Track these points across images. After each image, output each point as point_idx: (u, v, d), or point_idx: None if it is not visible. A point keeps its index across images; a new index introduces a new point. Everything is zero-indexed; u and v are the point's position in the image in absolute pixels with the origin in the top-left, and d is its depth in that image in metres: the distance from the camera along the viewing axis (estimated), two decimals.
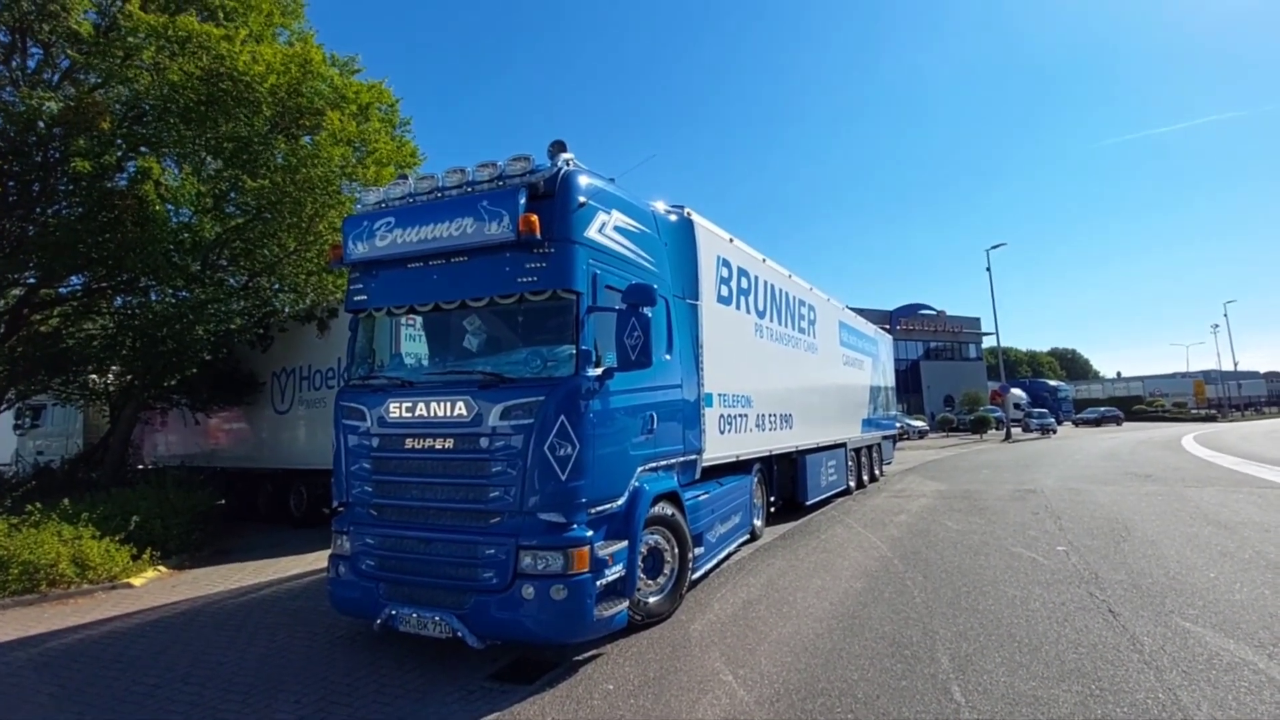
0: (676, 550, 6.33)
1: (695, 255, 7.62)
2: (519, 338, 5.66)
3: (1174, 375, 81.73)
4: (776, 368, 10.62)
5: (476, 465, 5.12)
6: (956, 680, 4.50)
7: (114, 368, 13.23)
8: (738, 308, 9.02)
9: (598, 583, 5.03)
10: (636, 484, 5.78)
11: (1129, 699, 4.09)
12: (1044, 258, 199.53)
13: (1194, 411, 64.57)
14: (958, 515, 11.44)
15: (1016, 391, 52.87)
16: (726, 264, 8.65)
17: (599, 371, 5.30)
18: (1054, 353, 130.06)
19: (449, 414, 5.22)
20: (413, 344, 6.27)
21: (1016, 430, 42.51)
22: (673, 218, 7.46)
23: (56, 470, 14.18)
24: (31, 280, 12.33)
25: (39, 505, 8.79)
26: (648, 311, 5.38)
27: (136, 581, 8.35)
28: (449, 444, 5.21)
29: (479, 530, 5.09)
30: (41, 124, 10.71)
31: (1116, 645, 4.99)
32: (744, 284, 9.33)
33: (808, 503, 11.90)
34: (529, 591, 4.83)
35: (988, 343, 63.97)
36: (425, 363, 6.04)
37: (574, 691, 4.64)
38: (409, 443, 5.37)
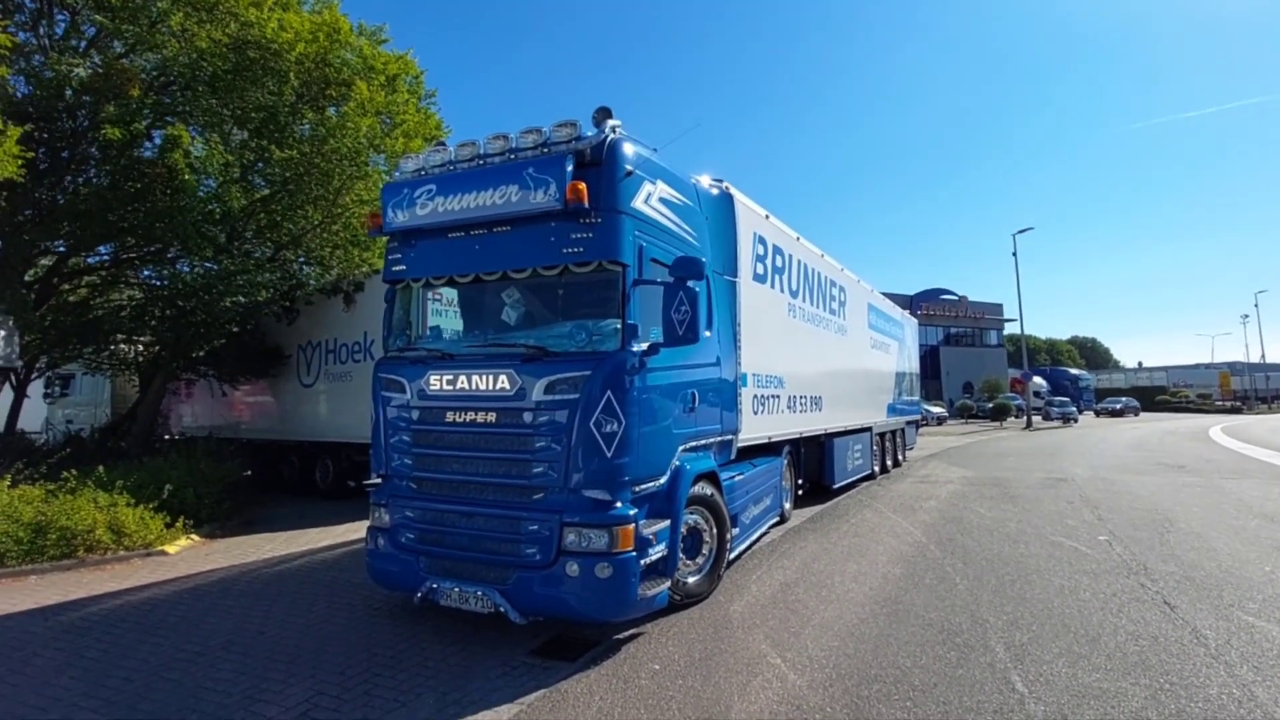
0: (715, 530, 6.23)
1: (735, 231, 7.43)
2: (562, 311, 5.52)
3: (1198, 366, 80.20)
4: (808, 349, 10.44)
5: (520, 440, 5.01)
6: (1015, 670, 4.36)
7: (143, 338, 13.29)
8: (772, 286, 8.82)
9: (641, 561, 4.94)
10: (678, 463, 5.66)
11: (1202, 694, 3.94)
12: (1066, 244, 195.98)
13: (1218, 403, 63.42)
14: (989, 502, 11.25)
15: (1037, 379, 52.10)
16: (762, 241, 8.44)
17: (644, 347, 5.15)
18: (1074, 341, 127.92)
19: (491, 387, 5.11)
20: (452, 316, 6.16)
21: (1037, 419, 41.96)
22: (714, 191, 7.25)
23: (87, 439, 14.35)
24: (61, 248, 12.35)
25: (74, 472, 8.87)
26: (695, 285, 5.22)
27: (171, 549, 8.41)
28: (491, 418, 5.10)
29: (522, 505, 5.00)
30: (70, 91, 10.63)
31: (1179, 638, 4.83)
32: (778, 262, 9.12)
33: (835, 486, 11.78)
34: (573, 569, 4.74)
35: (1009, 329, 63.11)
36: (465, 335, 5.92)
37: (619, 670, 4.57)
38: (450, 416, 5.27)
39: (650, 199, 5.61)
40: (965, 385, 55.92)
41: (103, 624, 5.72)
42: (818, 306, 11.07)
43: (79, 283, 13.81)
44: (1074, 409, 45.31)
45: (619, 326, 5.05)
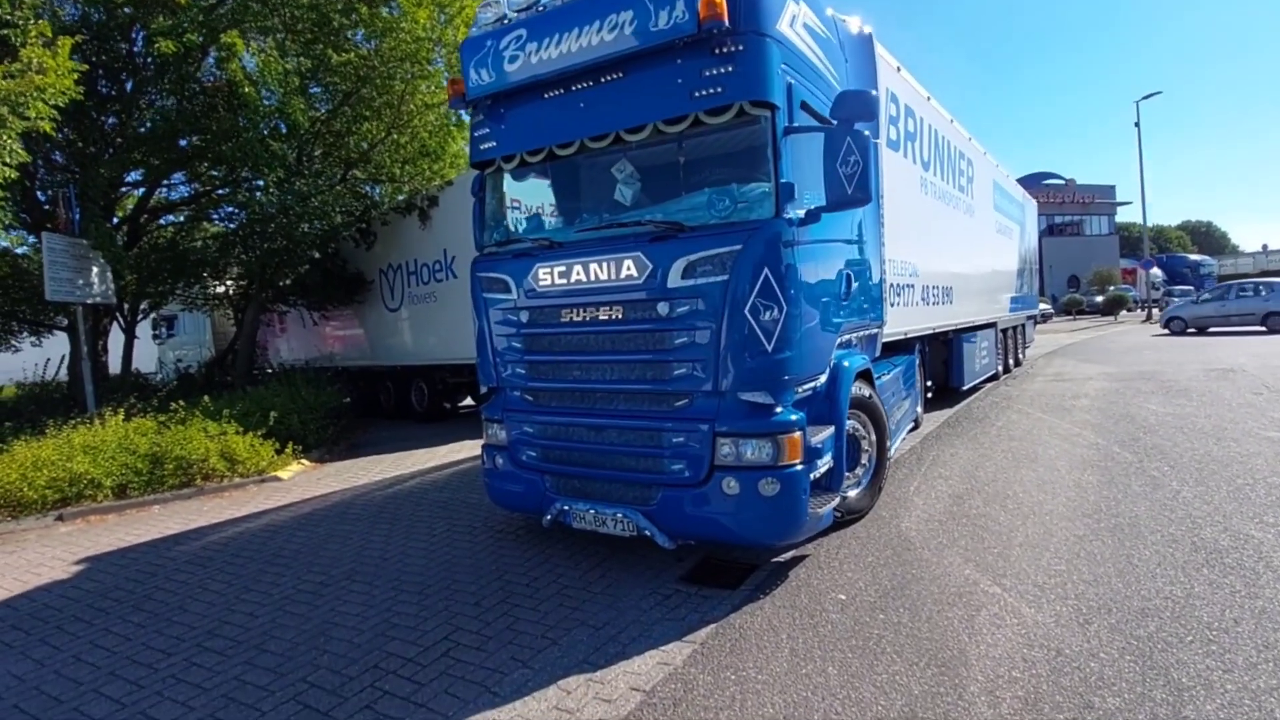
0: (874, 437, 5.29)
1: (875, 80, 6.03)
2: (689, 179, 4.47)
3: None
4: (939, 232, 9.01)
5: (655, 338, 4.15)
6: None
7: (232, 270, 13.23)
8: (905, 155, 7.38)
9: (810, 475, 4.10)
10: (834, 359, 4.68)
11: None
12: (1178, 121, 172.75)
13: None
14: (1155, 398, 9.74)
15: (1154, 270, 47.05)
16: (895, 99, 6.95)
17: (802, 214, 4.09)
18: (1184, 227, 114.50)
19: (614, 276, 4.22)
20: (555, 200, 5.23)
21: (1156, 312, 37.96)
22: (852, 29, 5.84)
23: (195, 375, 14.79)
24: (137, 180, 12.18)
25: (182, 404, 8.85)
26: (865, 130, 4.05)
27: (284, 475, 8.33)
28: (617, 313, 4.24)
29: (663, 415, 4.20)
30: (118, 8, 10.00)
31: None
32: (910, 126, 7.60)
33: (963, 388, 10.56)
34: (731, 486, 3.95)
35: (1121, 215, 56.78)
36: (572, 221, 5.00)
37: (797, 601, 3.83)
38: (566, 315, 4.45)
39: (795, 23, 4.37)
40: (1070, 279, 51.18)
41: (224, 554, 5.50)
42: (948, 182, 9.50)
43: (165, 224, 13.82)
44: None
45: (771, 189, 3.99)
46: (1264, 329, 20.63)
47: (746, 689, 2.96)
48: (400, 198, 12.48)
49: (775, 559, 4.47)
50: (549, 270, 4.50)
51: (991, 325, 12.67)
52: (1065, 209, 53.69)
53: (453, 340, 11.27)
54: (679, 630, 3.59)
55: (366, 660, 3.47)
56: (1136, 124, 34.01)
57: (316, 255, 11.31)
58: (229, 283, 14.58)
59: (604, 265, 4.26)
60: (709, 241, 3.95)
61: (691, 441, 4.07)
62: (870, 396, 5.23)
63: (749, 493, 3.91)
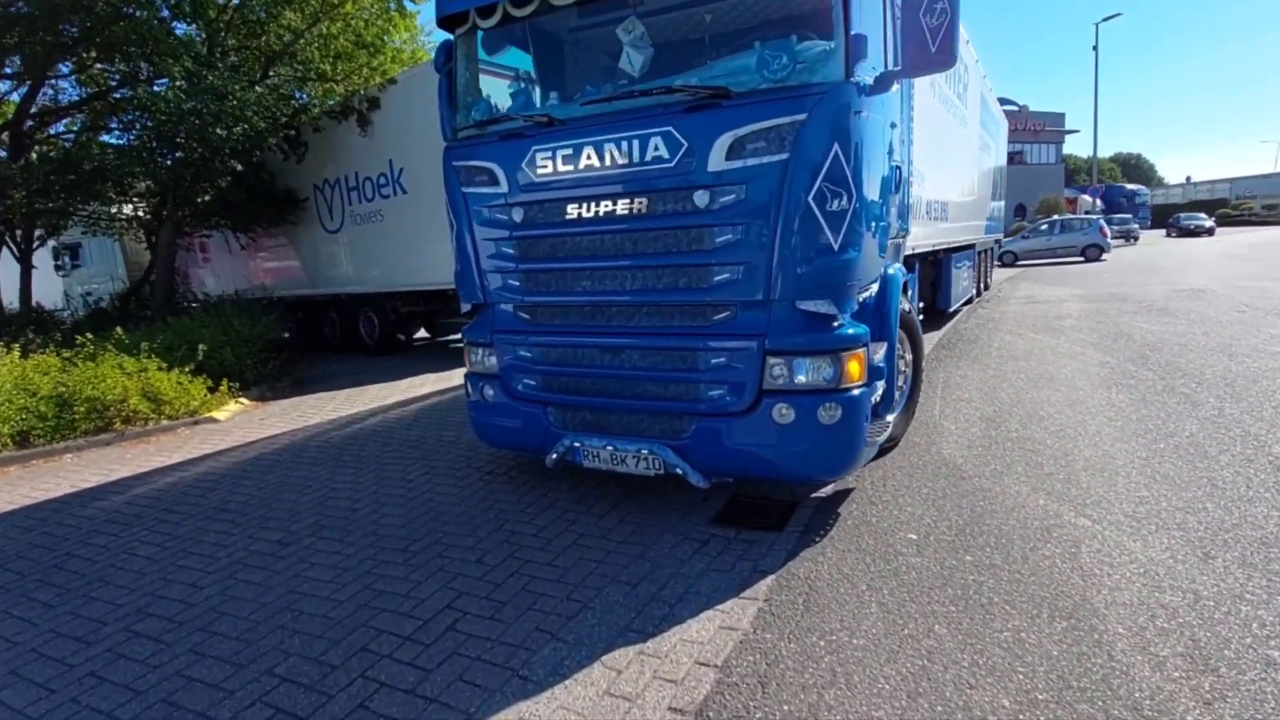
0: (910, 356, 4.75)
1: None
2: (734, 31, 3.60)
3: (1269, 175, 73.82)
4: (942, 141, 8.33)
5: (690, 236, 3.36)
6: None
7: (139, 185, 11.46)
8: None
9: (871, 399, 3.49)
10: (882, 265, 4.02)
11: None
12: (1106, 52, 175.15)
13: None
14: (1139, 316, 9.63)
15: (1087, 198, 48.28)
16: None
17: (870, 80, 3.29)
18: (1115, 158, 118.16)
19: (637, 160, 3.36)
20: (553, 64, 4.25)
21: None
22: None
23: (108, 309, 13.11)
24: (9, 72, 10.17)
25: (90, 337, 7.58)
26: None
27: (220, 415, 7.29)
28: (641, 206, 3.42)
29: (699, 331, 3.47)
30: None
31: None
32: None
33: (949, 310, 10.23)
34: (784, 414, 3.30)
35: (1068, 143, 57.59)
36: (578, 89, 4.04)
37: (861, 542, 3.29)
38: (573, 211, 3.59)
39: None
40: (1017, 208, 51.96)
41: (154, 509, 4.59)
42: (950, 87, 8.76)
43: (58, 134, 11.77)
44: (1135, 226, 42.16)
45: (838, 44, 3.16)
46: (1082, 259, 23.32)
47: (845, 659, 2.40)
48: (333, 100, 10.89)
49: (815, 494, 3.93)
50: (549, 154, 3.59)
51: (971, 246, 12.33)
52: (1017, 136, 53.64)
53: (404, 265, 10.13)
54: (732, 584, 3.00)
55: (351, 642, 2.75)
56: (1094, 47, 33.93)
57: (238, 167, 9.80)
58: (137, 201, 12.73)
59: (623, 146, 3.38)
60: (763, 110, 3.13)
61: (735, 362, 3.38)
62: (909, 311, 4.64)
63: (805, 421, 3.28)
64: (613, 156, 3.42)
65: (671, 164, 3.29)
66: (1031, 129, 53.97)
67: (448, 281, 9.73)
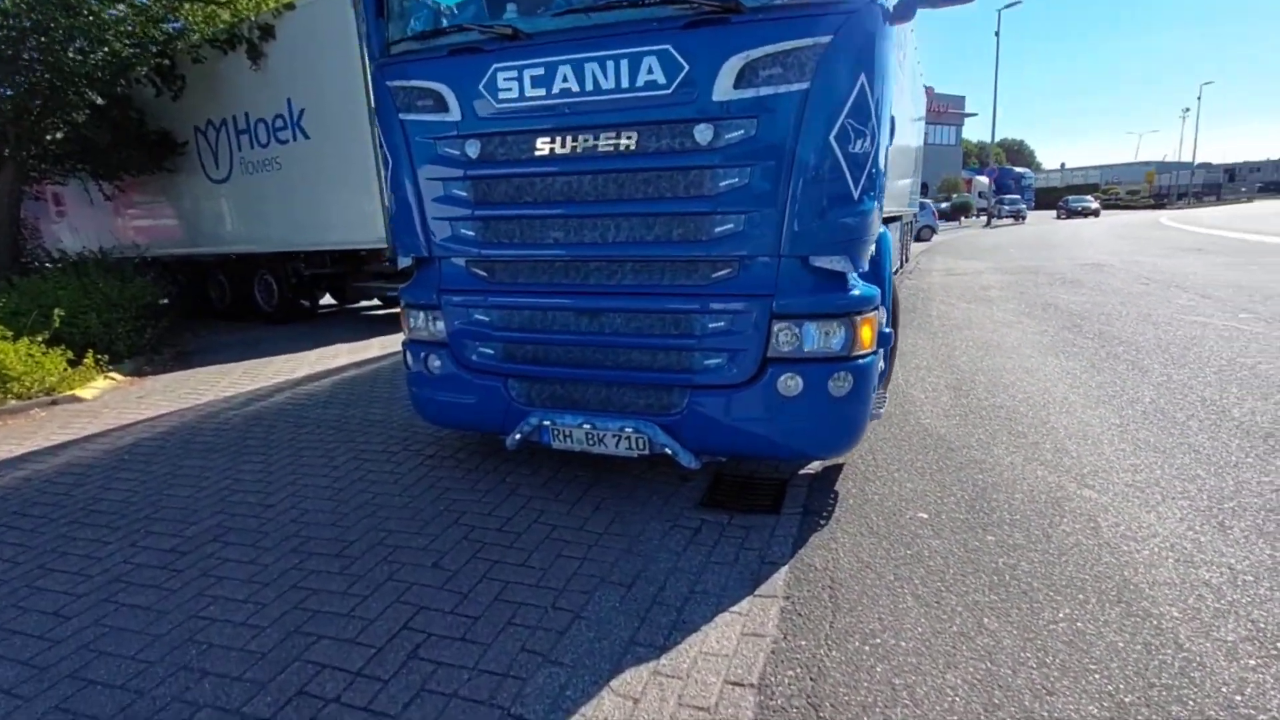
0: (890, 318, 4.51)
1: None
2: None
3: (1131, 164, 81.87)
4: (895, 102, 8.21)
5: (690, 179, 2.87)
6: None
7: None
8: None
9: (878, 368, 3.19)
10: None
11: None
12: (990, 43, 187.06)
13: (1144, 199, 65.50)
14: (1056, 288, 10.10)
15: (984, 179, 51.61)
16: None
17: (892, 6, 2.90)
18: (1001, 144, 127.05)
19: (625, 84, 2.82)
20: None
21: (992, 218, 41.89)
22: None
23: None
24: None
25: None
26: None
27: (85, 393, 6.11)
28: (629, 142, 2.88)
29: (697, 291, 3.01)
30: None
31: None
32: None
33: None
34: (790, 385, 2.93)
35: (967, 125, 60.91)
36: (534, 10, 3.39)
37: (870, 523, 3.00)
38: (544, 146, 3.01)
39: None
40: (921, 187, 54.83)
41: (1, 512, 3.66)
42: (900, 48, 8.64)
43: None
44: (1023, 206, 45.48)
45: None
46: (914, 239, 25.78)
47: (900, 668, 2.08)
48: (219, 26, 9.37)
49: (804, 471, 3.62)
50: (514, 75, 2.97)
51: (899, 218, 12.55)
52: (925, 116, 56.39)
53: (308, 221, 8.99)
54: (742, 579, 2.62)
55: (283, 684, 2.14)
56: (996, 33, 35.46)
57: (98, 100, 8.24)
58: None
59: (608, 67, 2.83)
60: (781, 29, 2.66)
61: (737, 326, 2.96)
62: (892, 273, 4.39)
63: (814, 393, 2.92)
64: (595, 80, 2.85)
65: (668, 91, 2.77)
66: (935, 110, 56.60)
67: (360, 240, 8.86)
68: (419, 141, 3.25)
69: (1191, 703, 1.87)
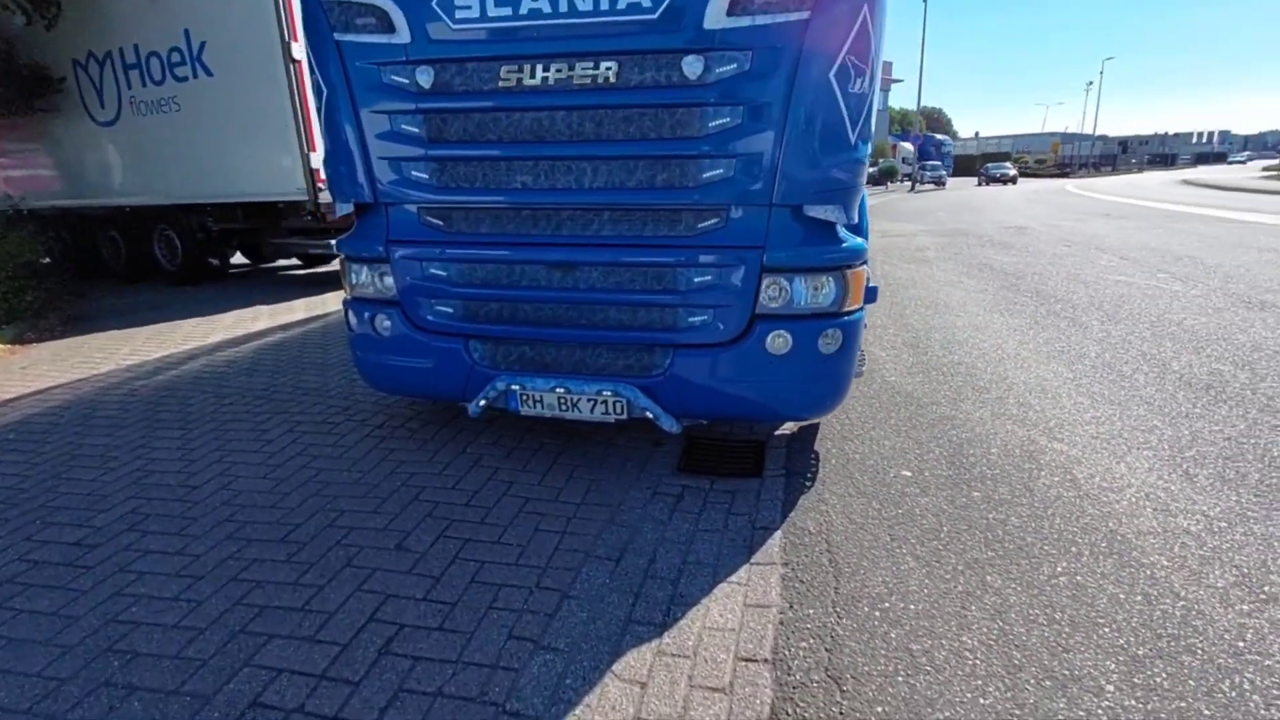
0: None
1: None
2: None
3: (1039, 135, 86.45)
4: None
5: (676, 117, 2.60)
6: None
7: None
8: None
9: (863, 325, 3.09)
10: None
11: None
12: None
13: (1049, 168, 69.64)
14: (988, 249, 10.46)
15: (908, 145, 53.27)
16: None
17: None
18: (923, 111, 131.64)
19: (605, 3, 2.51)
20: None
21: (916, 183, 43.40)
22: None
23: None
24: None
25: None
26: None
27: None
28: (609, 72, 2.58)
29: (679, 243, 2.78)
30: None
31: None
32: None
33: None
34: (779, 343, 2.77)
35: (893, 91, 62.28)
36: None
37: (857, 483, 2.93)
38: (509, 75, 2.66)
39: None
40: None
41: None
42: None
43: None
44: (944, 173, 47.32)
45: None
46: None
47: (915, 632, 2.00)
48: None
49: (779, 431, 3.53)
50: None
51: None
52: None
53: (215, 170, 8.08)
54: (735, 547, 2.49)
55: (232, 697, 1.83)
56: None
57: None
58: None
59: None
60: None
61: (724, 280, 2.76)
62: None
63: (803, 351, 2.78)
64: None
65: (653, 16, 2.48)
66: None
67: (276, 192, 8.03)
68: (360, 68, 2.83)
69: (1201, 651, 1.88)
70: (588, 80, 2.59)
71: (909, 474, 3.01)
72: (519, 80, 2.65)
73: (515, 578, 2.34)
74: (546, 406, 3.00)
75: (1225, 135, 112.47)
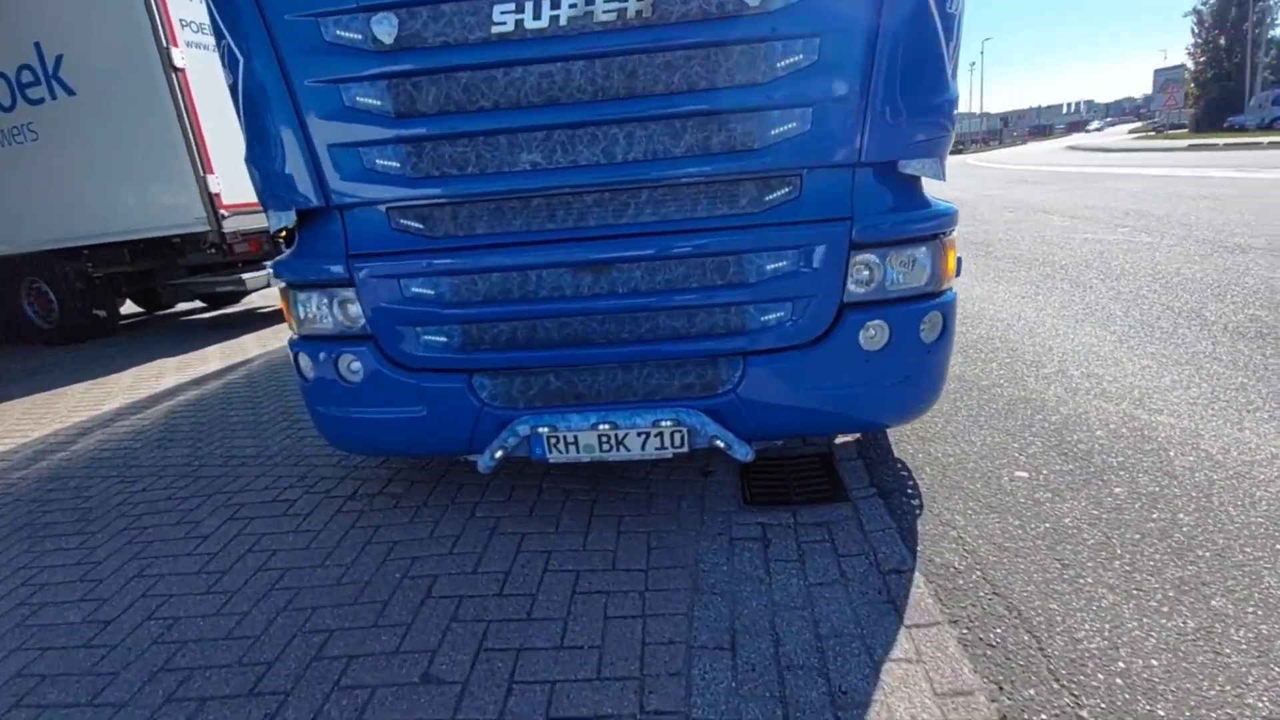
0: None
1: None
2: None
3: (963, 115, 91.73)
4: None
5: (732, 59, 1.99)
6: None
7: None
8: None
9: None
10: None
11: None
12: None
13: None
14: None
15: None
16: None
17: None
18: None
19: None
20: None
21: None
22: None
23: None
24: None
25: None
26: None
27: None
28: (641, 5, 1.95)
29: (745, 222, 2.17)
30: None
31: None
32: None
33: None
34: (874, 335, 2.22)
35: None
36: None
37: (974, 495, 2.42)
38: (504, 17, 1.98)
39: None
40: None
41: None
42: None
43: None
44: None
45: None
46: None
47: (1185, 704, 1.48)
48: None
49: (839, 439, 3.00)
50: None
51: None
52: None
53: (91, 204, 6.86)
54: (872, 606, 1.92)
55: None
56: None
57: None
58: None
59: None
60: None
61: (804, 264, 2.18)
62: None
63: (903, 343, 2.24)
64: None
65: None
66: None
67: (170, 224, 6.86)
68: (289, 22, 2.07)
69: None
70: (613, 17, 1.95)
71: (1025, 475, 2.54)
72: (519, 23, 1.98)
73: (608, 702, 1.67)
74: (584, 449, 2.32)
75: (1090, 104, 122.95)
